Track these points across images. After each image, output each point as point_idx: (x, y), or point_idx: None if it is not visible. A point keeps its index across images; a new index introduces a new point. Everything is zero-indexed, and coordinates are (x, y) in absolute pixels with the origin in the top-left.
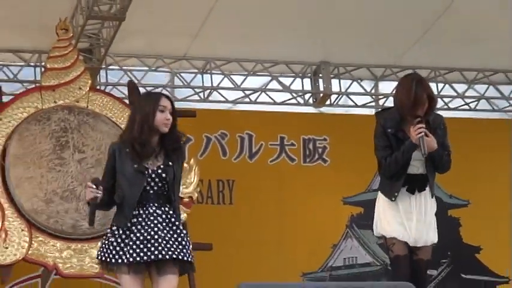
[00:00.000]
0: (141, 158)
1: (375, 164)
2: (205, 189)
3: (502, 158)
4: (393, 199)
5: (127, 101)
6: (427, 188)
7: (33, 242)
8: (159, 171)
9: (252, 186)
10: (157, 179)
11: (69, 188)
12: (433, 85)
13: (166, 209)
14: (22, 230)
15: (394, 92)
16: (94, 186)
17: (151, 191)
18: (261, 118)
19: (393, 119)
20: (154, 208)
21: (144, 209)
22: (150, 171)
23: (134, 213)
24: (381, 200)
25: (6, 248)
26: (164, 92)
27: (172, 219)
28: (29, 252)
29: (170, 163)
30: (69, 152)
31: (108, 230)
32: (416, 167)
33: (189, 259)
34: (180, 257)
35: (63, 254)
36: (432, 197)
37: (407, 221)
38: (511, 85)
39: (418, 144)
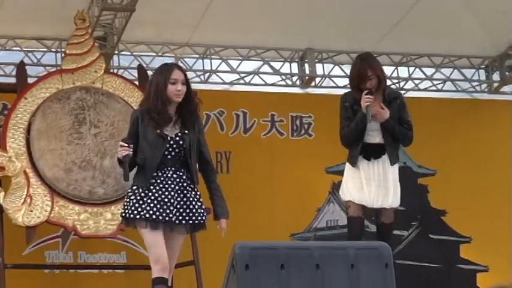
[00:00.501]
0: (160, 125)
1: None
2: None
3: (465, 133)
4: (354, 165)
5: (137, 83)
6: (385, 156)
7: (54, 206)
8: (177, 138)
9: (246, 157)
10: (175, 145)
11: (86, 159)
12: (404, 69)
13: (181, 173)
14: (45, 196)
15: None
16: (126, 144)
17: (169, 156)
18: (254, 97)
19: (351, 95)
20: (171, 172)
21: (163, 172)
22: (168, 138)
23: (153, 174)
24: (347, 167)
25: (31, 211)
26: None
27: (185, 184)
28: (51, 215)
29: (186, 131)
30: (86, 127)
31: (129, 190)
32: (373, 136)
33: (197, 221)
34: (184, 222)
35: (80, 216)
36: (392, 165)
37: (367, 186)
38: (473, 69)
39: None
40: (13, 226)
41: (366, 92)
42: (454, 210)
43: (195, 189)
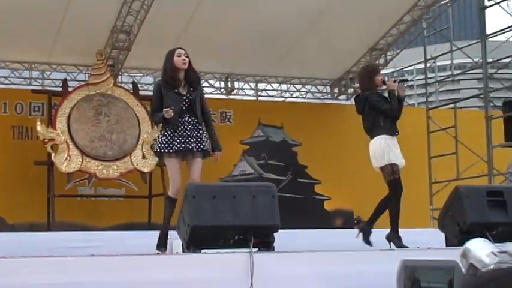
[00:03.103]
0: (175, 86)
1: (255, 122)
2: None
3: (319, 121)
4: (395, 134)
5: (131, 91)
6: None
7: (83, 161)
8: (188, 94)
9: None
10: (187, 100)
11: (102, 135)
12: (284, 85)
13: (194, 117)
14: (78, 156)
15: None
16: (170, 110)
17: (184, 108)
18: None
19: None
20: (187, 118)
21: (182, 117)
22: (182, 94)
23: (177, 120)
24: (383, 138)
25: (70, 164)
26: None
27: (197, 124)
28: (81, 166)
29: (192, 89)
30: (102, 116)
31: (160, 133)
32: None
33: (205, 149)
34: (200, 149)
35: (98, 167)
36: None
37: (397, 150)
38: (323, 85)
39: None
40: (60, 172)
41: (396, 80)
42: (312, 165)
43: (203, 129)
